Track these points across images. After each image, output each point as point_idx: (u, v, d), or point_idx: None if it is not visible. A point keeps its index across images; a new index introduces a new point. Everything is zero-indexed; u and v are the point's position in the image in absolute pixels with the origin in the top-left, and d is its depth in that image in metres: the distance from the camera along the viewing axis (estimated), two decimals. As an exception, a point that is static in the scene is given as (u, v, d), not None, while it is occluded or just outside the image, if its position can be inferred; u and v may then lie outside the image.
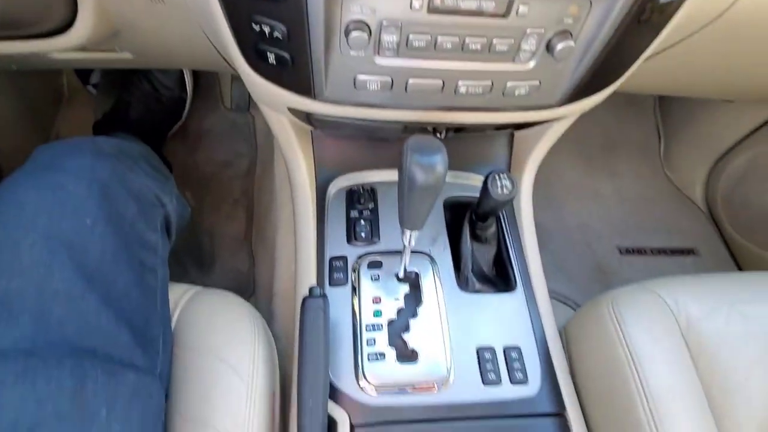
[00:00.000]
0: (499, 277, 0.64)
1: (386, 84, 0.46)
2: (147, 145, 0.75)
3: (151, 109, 0.95)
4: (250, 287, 0.96)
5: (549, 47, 0.43)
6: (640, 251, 1.14)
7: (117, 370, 0.40)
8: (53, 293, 0.39)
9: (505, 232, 0.66)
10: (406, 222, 0.48)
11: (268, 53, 0.43)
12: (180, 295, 0.53)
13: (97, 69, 1.08)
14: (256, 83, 0.49)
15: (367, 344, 0.54)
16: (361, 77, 0.45)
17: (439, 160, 0.41)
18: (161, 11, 0.50)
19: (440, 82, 0.46)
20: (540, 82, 0.47)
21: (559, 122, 0.62)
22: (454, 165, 0.69)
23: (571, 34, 0.42)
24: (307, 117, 0.55)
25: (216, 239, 1.03)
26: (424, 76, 0.46)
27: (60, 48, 0.54)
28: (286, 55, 0.43)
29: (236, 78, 1.14)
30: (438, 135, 0.59)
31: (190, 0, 0.45)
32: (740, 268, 1.14)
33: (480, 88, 0.47)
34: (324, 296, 0.50)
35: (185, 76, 0.99)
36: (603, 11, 0.40)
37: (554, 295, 1.00)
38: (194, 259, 1.00)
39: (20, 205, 0.43)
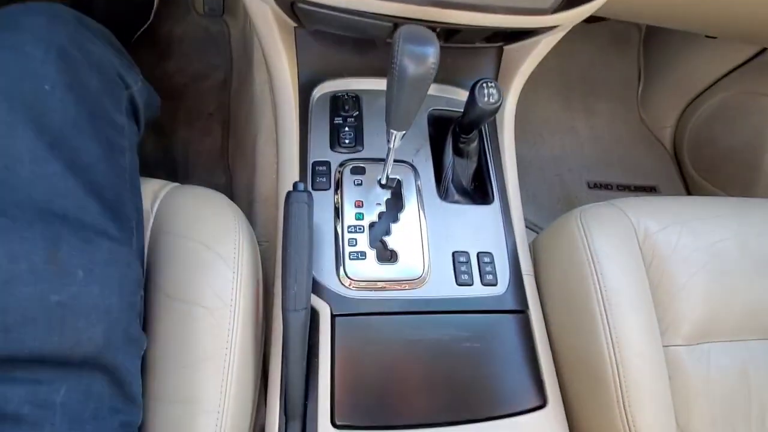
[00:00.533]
0: (477, 191, 0.66)
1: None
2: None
3: (115, 2, 0.86)
4: (228, 200, 0.95)
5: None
6: (606, 186, 1.19)
7: (91, 237, 0.39)
8: (16, 154, 0.38)
9: (486, 148, 0.67)
10: (393, 121, 0.48)
11: None
12: (159, 188, 0.52)
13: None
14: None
15: (349, 244, 0.56)
16: (354, -41, 0.43)
17: (431, 51, 0.40)
18: None
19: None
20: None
21: (546, 38, 0.62)
22: (441, 78, 0.69)
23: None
24: (292, 7, 0.52)
25: (190, 155, 0.99)
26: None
27: None
28: None
29: (209, -22, 1.04)
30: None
31: None
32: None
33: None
34: (308, 192, 0.50)
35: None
36: None
37: (525, 223, 1.05)
38: (167, 173, 0.97)
39: None
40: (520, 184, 0.68)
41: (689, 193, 1.22)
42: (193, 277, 0.46)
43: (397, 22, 0.52)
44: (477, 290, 0.57)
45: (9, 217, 0.36)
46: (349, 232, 0.57)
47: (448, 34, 0.57)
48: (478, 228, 0.61)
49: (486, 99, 0.55)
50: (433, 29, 0.55)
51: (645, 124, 1.32)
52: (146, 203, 0.50)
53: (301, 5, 0.51)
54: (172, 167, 0.98)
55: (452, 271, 0.57)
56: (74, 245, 0.38)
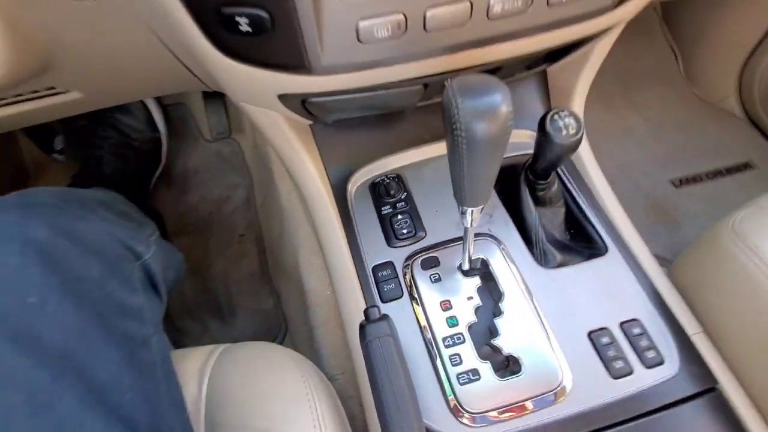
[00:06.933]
0: (579, 241, 0.52)
1: (398, 25, 0.35)
2: (129, 198, 0.64)
3: (125, 157, 0.84)
4: (282, 325, 0.84)
5: None
6: (695, 179, 1.01)
7: None
8: (9, 408, 0.28)
9: (570, 188, 0.54)
10: (468, 197, 0.37)
11: (237, 18, 0.32)
12: (204, 360, 0.41)
13: (59, 133, 0.97)
14: (232, 72, 0.38)
15: (452, 363, 0.42)
16: (365, 23, 0.34)
17: (502, 98, 0.30)
18: (93, 13, 0.39)
19: (467, 4, 0.35)
20: (593, -25, 0.36)
21: (603, 39, 0.51)
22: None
23: None
24: (303, 104, 0.44)
25: (231, 283, 0.91)
26: (446, 2, 0.34)
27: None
28: (261, 13, 0.32)
29: (210, 104, 1.03)
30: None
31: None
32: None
33: (519, 1, 0.36)
34: (385, 316, 0.38)
35: (153, 113, 0.89)
36: None
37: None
38: (212, 311, 0.89)
39: None
40: None
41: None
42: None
43: (427, 82, 0.43)
44: (642, 378, 0.41)
45: None
46: (446, 346, 0.43)
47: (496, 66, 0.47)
48: (604, 290, 0.46)
49: (564, 132, 0.43)
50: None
51: (703, 100, 1.16)
52: (191, 388, 0.39)
53: (313, 100, 0.42)
54: (215, 304, 0.89)
55: (599, 360, 0.42)
56: None
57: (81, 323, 0.32)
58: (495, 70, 0.46)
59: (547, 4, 0.37)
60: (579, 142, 0.44)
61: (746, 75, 1.11)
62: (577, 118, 0.44)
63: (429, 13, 0.35)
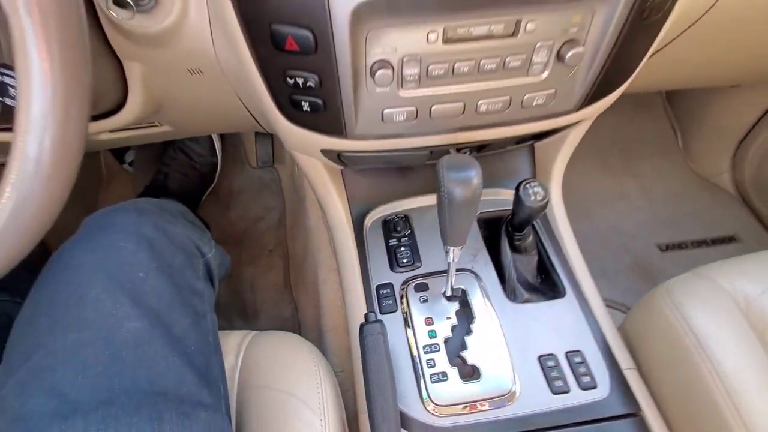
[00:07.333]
0: (546, 286, 0.64)
1: (411, 114, 0.49)
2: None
3: (187, 176, 1.02)
4: (297, 331, 0.97)
5: (559, 56, 0.46)
6: (680, 246, 1.11)
7: (189, 411, 0.41)
8: (122, 342, 0.42)
9: (543, 240, 0.66)
10: (448, 239, 0.50)
11: (303, 102, 0.48)
12: (240, 339, 0.55)
13: (133, 147, 1.16)
14: (292, 132, 0.53)
15: (428, 366, 0.54)
16: (388, 111, 0.49)
17: (474, 174, 0.44)
18: (200, 81, 0.55)
19: (461, 104, 0.49)
20: (555, 91, 0.50)
21: (576, 127, 0.64)
22: (483, 183, 0.72)
23: (578, 41, 0.45)
24: (338, 156, 0.59)
25: (257, 290, 1.05)
26: (446, 101, 0.49)
27: (111, 128, 0.60)
28: (319, 101, 0.47)
29: (260, 138, 1.21)
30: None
31: (228, 69, 0.51)
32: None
33: (499, 104, 0.50)
34: (380, 321, 0.51)
35: (215, 142, 1.07)
36: (605, 17, 0.43)
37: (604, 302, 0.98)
38: (239, 312, 1.03)
39: (79, 265, 0.46)
40: (585, 259, 0.65)
41: (776, 236, 1.11)
42: (283, 427, 0.46)
43: (432, 150, 0.57)
44: (577, 397, 0.52)
45: (118, 405, 0.39)
46: (425, 352, 0.56)
47: (480, 146, 0.62)
48: (558, 325, 0.58)
49: (533, 198, 0.56)
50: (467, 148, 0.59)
51: (698, 175, 1.27)
52: (230, 358, 0.53)
53: (346, 154, 0.57)
54: (242, 306, 1.03)
55: (543, 378, 0.53)
56: (175, 422, 0.39)
57: (168, 294, 0.46)
58: (485, 145, 0.60)
59: (521, 106, 0.51)
60: (545, 206, 0.57)
61: (738, 156, 1.21)
62: (544, 188, 0.57)
63: (434, 108, 0.49)
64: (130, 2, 0.39)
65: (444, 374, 0.54)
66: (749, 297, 0.55)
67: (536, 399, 0.52)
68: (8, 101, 0.33)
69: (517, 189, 0.57)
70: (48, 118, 0.24)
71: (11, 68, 0.32)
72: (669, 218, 1.17)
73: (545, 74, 0.48)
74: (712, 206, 1.20)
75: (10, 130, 0.27)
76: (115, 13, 0.39)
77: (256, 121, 0.66)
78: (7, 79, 0.32)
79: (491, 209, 0.68)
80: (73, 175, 0.28)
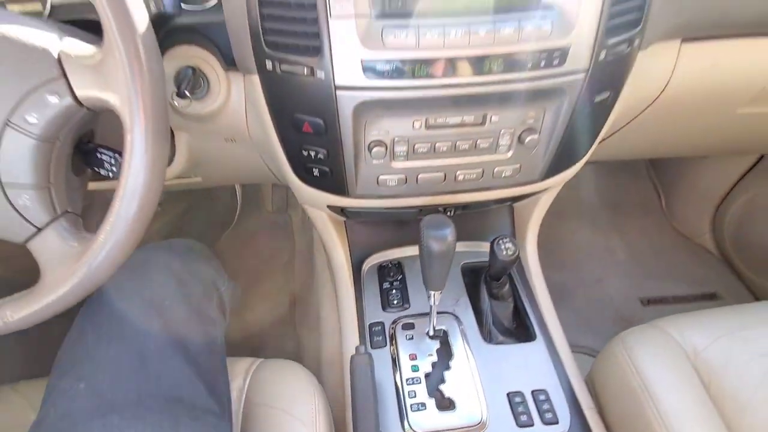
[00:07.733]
0: (520, 329, 0.73)
1: (402, 180, 0.61)
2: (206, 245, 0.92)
3: (210, 218, 1.14)
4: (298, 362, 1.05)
5: (520, 140, 0.57)
6: (662, 301, 1.18)
7: (200, 415, 0.50)
8: (149, 355, 0.51)
9: (518, 289, 0.75)
10: (429, 285, 0.60)
11: (314, 169, 0.59)
12: (248, 365, 0.64)
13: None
14: (303, 190, 0.65)
15: (409, 396, 0.62)
16: (383, 177, 0.60)
17: (449, 232, 0.54)
18: (232, 147, 0.68)
19: (442, 174, 0.61)
20: (520, 165, 0.61)
21: (546, 192, 0.75)
22: (466, 236, 0.82)
23: (535, 129, 0.56)
24: (342, 210, 0.70)
25: (263, 325, 1.14)
26: (430, 171, 0.60)
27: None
28: (327, 169, 0.59)
29: (276, 186, 1.35)
30: (448, 213, 0.72)
31: (256, 140, 0.63)
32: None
33: (474, 174, 0.61)
34: (369, 354, 0.60)
35: (236, 188, 1.20)
36: (554, 113, 0.55)
37: (584, 350, 1.05)
38: (247, 343, 1.11)
39: (120, 290, 0.57)
40: (570, 312, 0.74)
41: (752, 293, 1.17)
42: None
43: (420, 208, 0.68)
44: (539, 430, 0.59)
45: (145, 406, 0.48)
46: (407, 384, 0.63)
47: (464, 206, 0.72)
48: (527, 366, 0.66)
49: (504, 253, 0.66)
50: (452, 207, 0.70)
51: (681, 234, 1.35)
52: (239, 380, 0.62)
53: (349, 209, 0.68)
54: (250, 339, 1.12)
55: (510, 413, 0.61)
56: (189, 424, 0.48)
57: (188, 319, 0.56)
58: (467, 205, 0.71)
59: (492, 176, 0.62)
60: (515, 260, 0.66)
61: (718, 219, 1.30)
62: (514, 243, 0.67)
63: (420, 176, 0.61)
64: (188, 95, 0.52)
65: (423, 404, 0.61)
66: (697, 347, 0.62)
67: (503, 430, 0.59)
68: (102, 172, 0.45)
69: (492, 244, 0.67)
70: (139, 190, 0.36)
71: (106, 148, 0.45)
72: (652, 274, 1.24)
73: (510, 153, 0.59)
74: (695, 264, 1.27)
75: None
76: (177, 103, 0.52)
77: (275, 176, 0.79)
78: (104, 157, 0.44)
79: (473, 260, 0.78)
80: (148, 222, 0.39)
